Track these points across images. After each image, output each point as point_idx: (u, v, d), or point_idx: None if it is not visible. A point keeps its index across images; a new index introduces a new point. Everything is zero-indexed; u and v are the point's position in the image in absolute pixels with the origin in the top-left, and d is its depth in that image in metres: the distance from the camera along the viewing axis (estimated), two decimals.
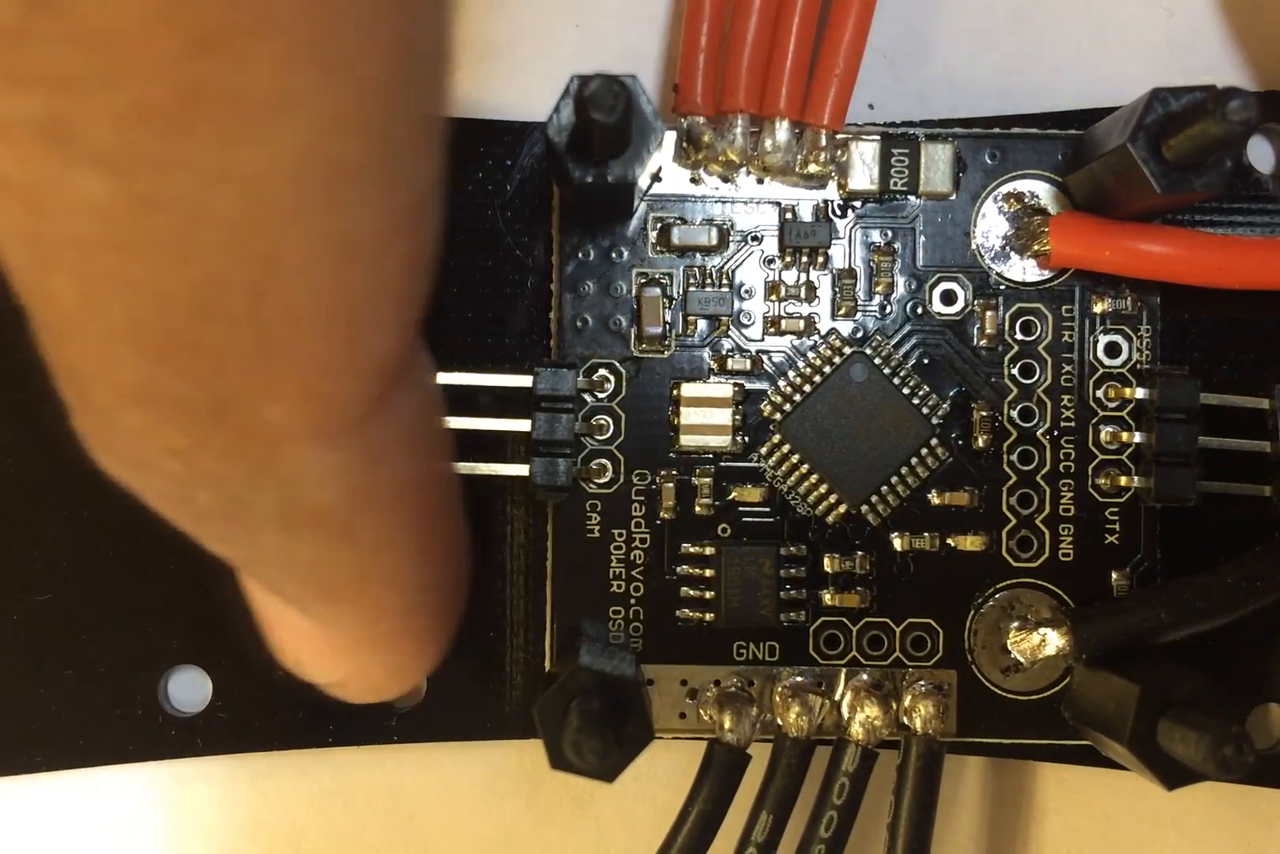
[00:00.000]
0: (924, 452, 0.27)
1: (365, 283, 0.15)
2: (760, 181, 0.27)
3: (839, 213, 0.27)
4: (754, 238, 0.27)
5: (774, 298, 0.27)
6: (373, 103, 0.13)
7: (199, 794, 0.29)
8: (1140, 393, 0.27)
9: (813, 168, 0.27)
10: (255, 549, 0.19)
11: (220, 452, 0.16)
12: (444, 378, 0.26)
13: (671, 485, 0.27)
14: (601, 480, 0.27)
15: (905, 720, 0.26)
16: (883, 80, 0.29)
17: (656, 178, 0.27)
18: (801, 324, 0.27)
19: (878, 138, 0.27)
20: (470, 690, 0.28)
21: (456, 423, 0.26)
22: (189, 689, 0.28)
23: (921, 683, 0.27)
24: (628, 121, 0.23)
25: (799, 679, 0.27)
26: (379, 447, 0.17)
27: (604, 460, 0.27)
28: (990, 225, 0.27)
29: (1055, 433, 0.27)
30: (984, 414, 0.27)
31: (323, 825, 0.29)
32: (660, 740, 0.26)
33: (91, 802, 0.29)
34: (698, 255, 0.27)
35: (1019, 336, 0.27)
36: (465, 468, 0.26)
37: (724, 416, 0.27)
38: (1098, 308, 0.27)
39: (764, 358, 0.27)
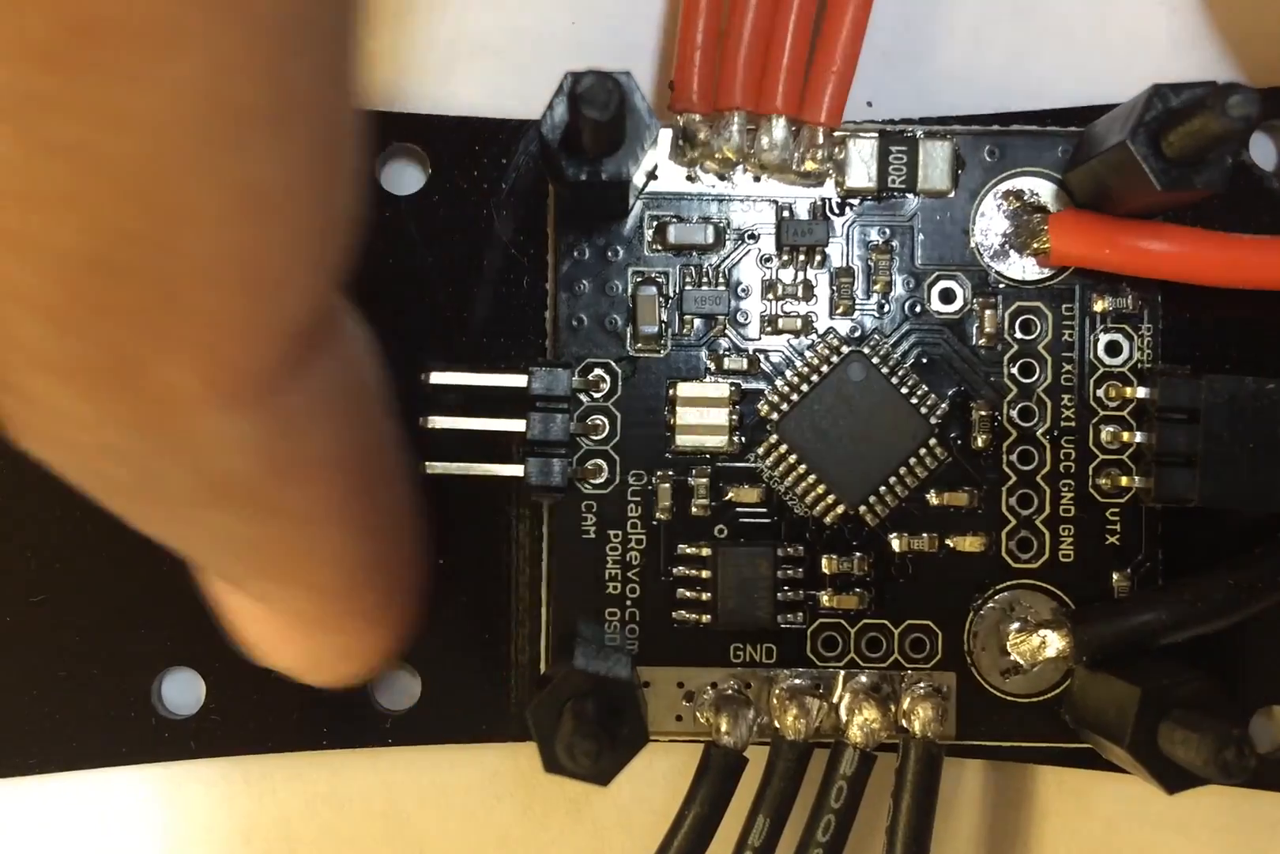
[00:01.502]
0: (922, 451, 0.27)
1: (274, 239, 0.15)
2: (757, 179, 0.27)
3: (836, 211, 0.27)
4: (751, 236, 0.27)
5: (771, 297, 0.27)
6: (268, 43, 0.13)
7: (193, 797, 0.29)
8: (1141, 392, 0.27)
9: (810, 165, 0.26)
10: (180, 526, 0.19)
11: (126, 421, 0.16)
12: (438, 378, 0.26)
13: (668, 486, 0.27)
14: (597, 481, 0.27)
15: (904, 723, 0.26)
16: (881, 77, 0.29)
17: (652, 176, 0.27)
18: (799, 323, 0.27)
19: (876, 135, 0.27)
20: (467, 692, 0.28)
21: (456, 424, 0.26)
22: (182, 691, 0.28)
23: (920, 685, 0.27)
24: (621, 118, 0.23)
25: (796, 681, 0.27)
26: (295, 416, 0.17)
27: (599, 460, 0.27)
28: (989, 223, 0.27)
29: (1055, 433, 0.27)
30: (983, 414, 0.27)
31: (318, 828, 0.29)
32: (657, 743, 0.26)
33: (85, 804, 0.29)
34: (694, 254, 0.27)
35: (1018, 335, 0.27)
36: (461, 468, 0.26)
37: (720, 416, 0.27)
38: (1098, 306, 0.27)
39: (761, 357, 0.27)
